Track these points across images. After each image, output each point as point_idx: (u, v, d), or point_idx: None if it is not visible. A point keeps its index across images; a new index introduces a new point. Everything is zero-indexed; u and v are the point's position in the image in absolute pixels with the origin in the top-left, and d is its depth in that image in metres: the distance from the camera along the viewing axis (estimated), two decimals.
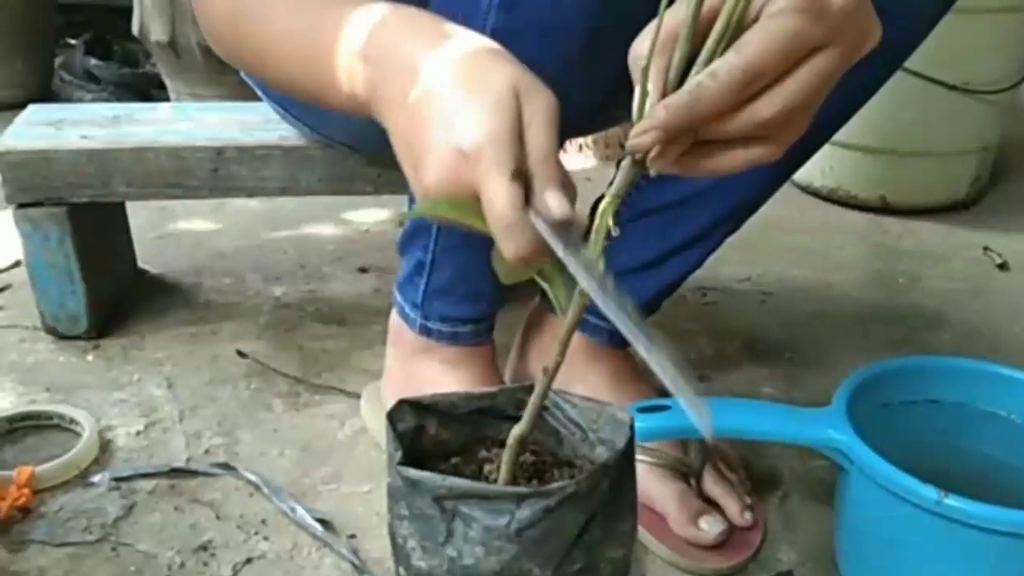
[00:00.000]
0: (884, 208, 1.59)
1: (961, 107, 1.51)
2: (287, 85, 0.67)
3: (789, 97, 0.47)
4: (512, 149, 0.47)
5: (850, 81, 0.51)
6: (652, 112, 0.46)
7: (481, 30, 0.62)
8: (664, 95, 0.47)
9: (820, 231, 1.53)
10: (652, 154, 0.48)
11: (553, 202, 0.47)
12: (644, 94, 0.47)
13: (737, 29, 0.46)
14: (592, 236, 0.49)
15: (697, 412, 0.41)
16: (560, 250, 0.47)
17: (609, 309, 0.44)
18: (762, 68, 0.46)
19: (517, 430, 0.54)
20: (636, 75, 0.47)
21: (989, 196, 1.68)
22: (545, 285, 0.51)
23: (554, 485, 0.51)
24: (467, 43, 0.53)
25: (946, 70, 1.45)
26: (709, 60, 0.46)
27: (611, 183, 0.50)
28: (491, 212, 0.47)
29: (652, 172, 0.48)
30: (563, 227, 0.47)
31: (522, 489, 0.51)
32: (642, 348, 0.43)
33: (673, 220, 0.86)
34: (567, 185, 0.49)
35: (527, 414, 0.54)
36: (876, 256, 1.45)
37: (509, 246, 0.48)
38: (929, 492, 0.67)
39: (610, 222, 0.48)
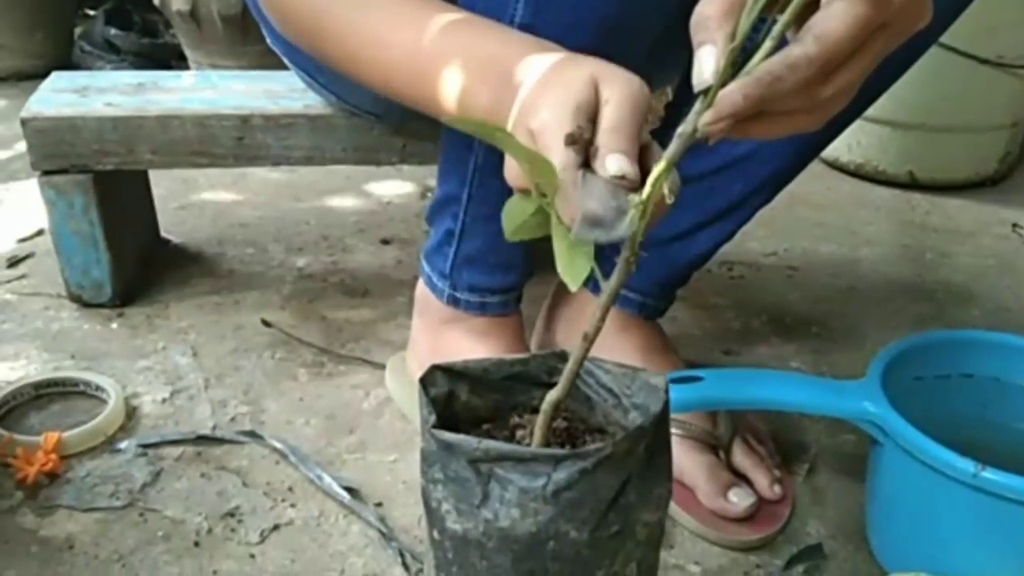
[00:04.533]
0: (912, 184, 1.57)
1: (992, 81, 1.48)
2: (385, 92, 0.70)
3: (849, 78, 0.48)
4: (572, 120, 0.49)
5: (893, 55, 0.51)
6: (727, 99, 0.46)
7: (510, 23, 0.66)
8: (732, 64, 0.46)
9: (847, 207, 1.51)
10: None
11: (611, 162, 0.48)
12: (724, 68, 0.46)
13: None
14: (642, 200, 0.48)
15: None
16: (604, 208, 0.47)
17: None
18: (837, 59, 0.47)
19: (553, 395, 0.54)
20: (698, 36, 0.47)
21: (1019, 172, 1.66)
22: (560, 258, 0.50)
23: (591, 447, 0.51)
24: (558, 54, 0.57)
25: (978, 43, 1.43)
26: (781, 34, 0.46)
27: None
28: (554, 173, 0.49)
29: (701, 135, 0.47)
30: (616, 187, 0.48)
31: (559, 451, 0.51)
32: None
33: (708, 190, 0.85)
34: (630, 154, 0.49)
35: (563, 379, 0.53)
36: (904, 232, 1.43)
37: (562, 208, 0.48)
38: (966, 465, 0.66)
39: (664, 189, 0.48)
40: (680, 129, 0.47)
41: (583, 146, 0.49)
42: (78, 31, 2.11)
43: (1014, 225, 1.44)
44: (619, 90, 0.51)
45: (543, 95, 0.52)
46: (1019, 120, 1.58)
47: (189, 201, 1.44)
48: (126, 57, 1.96)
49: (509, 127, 0.55)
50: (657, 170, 0.48)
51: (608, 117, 0.50)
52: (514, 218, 0.52)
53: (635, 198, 0.47)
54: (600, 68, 0.52)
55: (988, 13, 1.26)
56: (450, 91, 0.62)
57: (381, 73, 0.69)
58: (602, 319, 0.51)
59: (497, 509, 0.51)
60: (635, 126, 0.50)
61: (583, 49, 0.65)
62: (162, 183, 1.34)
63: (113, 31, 1.98)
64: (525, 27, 0.66)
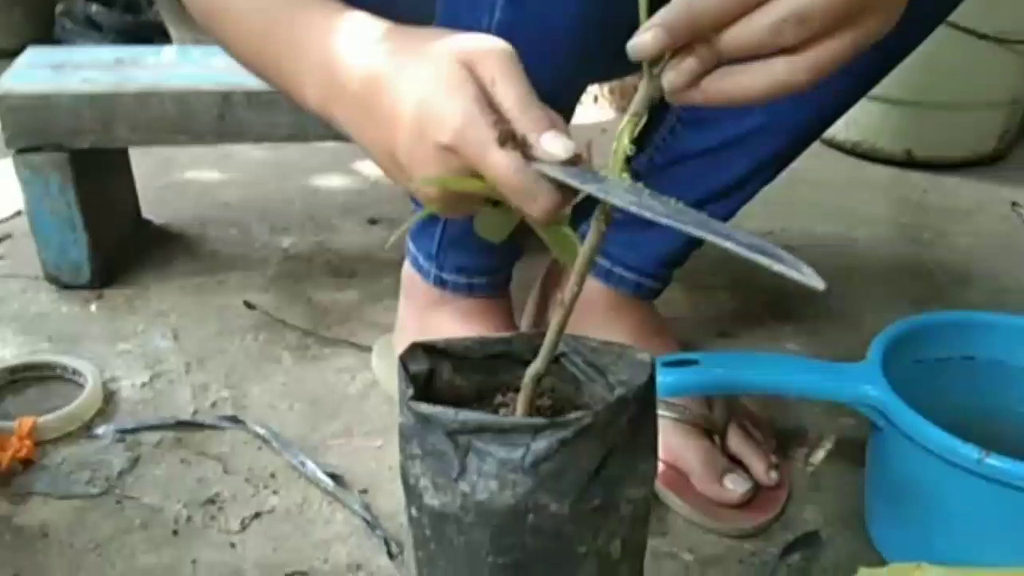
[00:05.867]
0: (909, 162, 1.55)
1: (991, 57, 1.45)
2: (256, 76, 0.66)
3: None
4: (487, 119, 0.46)
5: (897, 32, 0.47)
6: (655, 20, 0.44)
7: None
8: None
9: (844, 185, 1.49)
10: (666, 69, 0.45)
11: (552, 144, 0.45)
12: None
13: None
14: (612, 160, 0.46)
15: (798, 269, 0.38)
16: (581, 182, 0.45)
17: (659, 215, 0.41)
18: None
19: (532, 368, 0.52)
20: None
21: (1017, 150, 1.63)
22: (547, 239, 0.49)
23: (571, 416, 0.49)
24: (400, 43, 0.52)
25: (978, 18, 1.40)
26: None
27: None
28: (500, 185, 0.46)
29: (666, 86, 0.45)
30: (574, 165, 0.45)
31: (538, 420, 0.49)
32: (716, 238, 0.39)
33: (711, 166, 0.82)
34: (557, 124, 0.46)
35: (543, 350, 0.52)
36: (901, 211, 1.41)
37: (534, 208, 0.46)
38: (970, 451, 0.64)
39: (626, 142, 0.45)
40: (642, 80, 0.45)
41: (514, 139, 0.46)
42: (59, 8, 2.07)
43: (1013, 204, 1.42)
44: (496, 64, 0.47)
45: (424, 100, 0.47)
46: (1018, 97, 1.55)
47: (171, 180, 1.40)
48: (108, 34, 1.92)
49: (357, 124, 0.53)
50: (621, 125, 0.45)
51: (507, 97, 0.46)
52: (485, 220, 0.51)
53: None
54: (458, 45, 0.48)
55: None
56: (284, 84, 0.60)
57: (248, 57, 0.65)
58: (578, 284, 0.49)
59: (475, 482, 0.49)
60: (535, 94, 0.47)
61: (561, 47, 0.64)
62: (144, 161, 1.30)
63: (95, 8, 1.94)
64: (505, 24, 0.63)
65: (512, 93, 0.46)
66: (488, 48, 0.48)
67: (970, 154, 1.56)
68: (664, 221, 0.42)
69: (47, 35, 2.00)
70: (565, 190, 0.46)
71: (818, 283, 0.38)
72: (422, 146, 0.47)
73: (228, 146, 1.45)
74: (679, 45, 0.44)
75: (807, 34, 0.43)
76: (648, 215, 0.42)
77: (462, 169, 0.46)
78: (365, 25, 0.55)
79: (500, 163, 0.45)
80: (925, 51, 1.41)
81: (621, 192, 0.44)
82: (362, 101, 0.52)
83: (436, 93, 0.47)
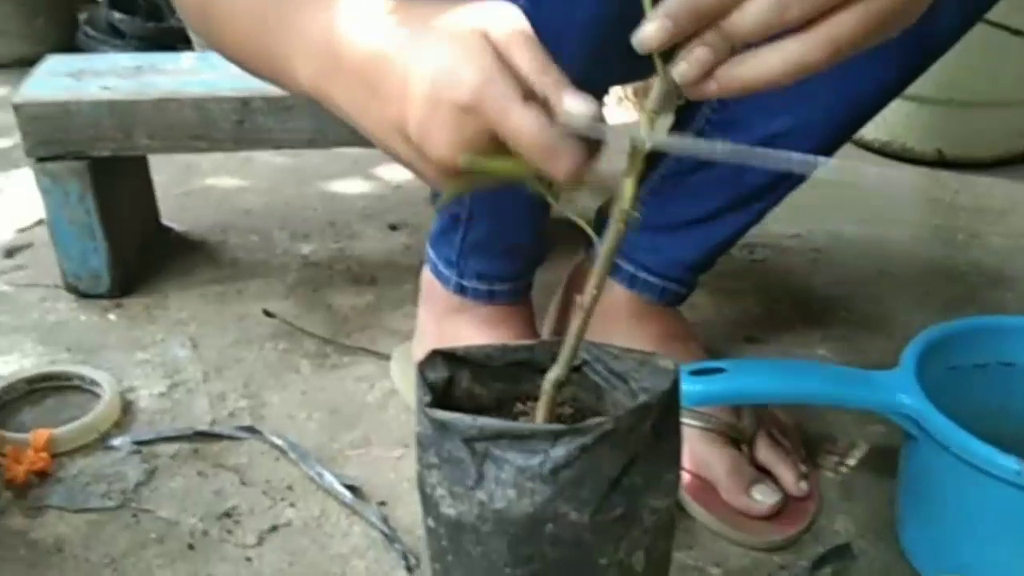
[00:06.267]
0: (940, 162, 1.51)
1: (1022, 54, 1.42)
2: (244, 67, 0.63)
3: None
4: (508, 78, 0.44)
5: (930, 27, 0.45)
6: (659, 11, 0.42)
7: None
8: None
9: (873, 186, 1.45)
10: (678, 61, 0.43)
11: (575, 104, 0.43)
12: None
13: None
14: (630, 159, 0.45)
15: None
16: (614, 135, 0.43)
17: (703, 152, 0.42)
18: None
19: (552, 374, 0.51)
20: None
21: None
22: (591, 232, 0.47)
23: (591, 421, 0.47)
24: (407, 16, 0.49)
25: (1010, 14, 1.36)
26: None
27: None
28: (524, 144, 0.43)
29: (679, 78, 0.43)
30: (597, 125, 0.44)
31: (557, 427, 0.47)
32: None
33: (740, 170, 0.80)
34: (578, 89, 0.44)
35: (562, 355, 0.50)
36: (933, 212, 1.38)
37: (560, 166, 0.43)
38: (1009, 463, 0.61)
39: (646, 131, 0.44)
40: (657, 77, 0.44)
41: (536, 99, 0.44)
42: (82, 16, 2.08)
43: None
44: (511, 30, 0.45)
45: (441, 63, 0.45)
46: None
47: (191, 187, 1.40)
48: (131, 41, 1.92)
49: (360, 100, 0.49)
50: (642, 119, 0.44)
51: (526, 61, 0.44)
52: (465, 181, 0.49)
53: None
54: (472, 16, 0.46)
55: None
56: (274, 66, 0.56)
57: (240, 49, 0.61)
58: (597, 287, 0.47)
59: (492, 490, 0.48)
60: (548, 57, 0.45)
61: (581, 45, 0.62)
62: (164, 169, 1.30)
63: (117, 15, 1.94)
64: None
65: (529, 56, 0.45)
66: (502, 16, 0.46)
67: (1002, 153, 1.52)
68: (711, 155, 0.42)
69: (70, 43, 2.00)
70: (588, 151, 0.44)
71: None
72: (438, 113, 0.45)
73: (249, 152, 1.44)
74: (685, 34, 0.42)
75: (814, 8, 0.41)
76: (689, 149, 0.43)
77: (480, 132, 0.44)
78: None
79: (525, 119, 0.43)
80: (955, 48, 1.38)
81: (655, 137, 0.43)
82: (366, 76, 0.49)
83: (453, 58, 0.44)
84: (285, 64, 0.54)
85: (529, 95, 0.43)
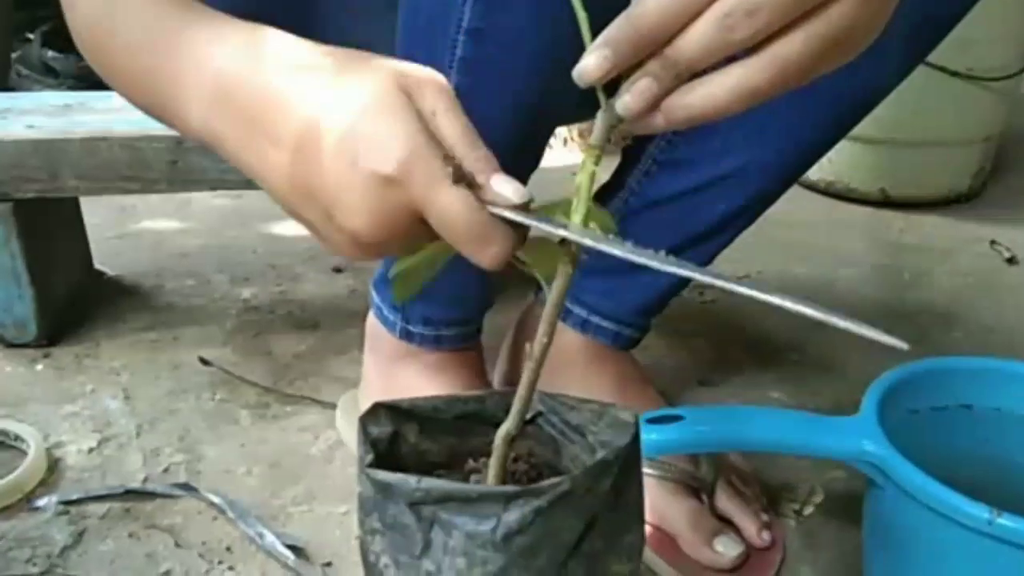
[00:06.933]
0: (885, 201, 1.52)
1: (964, 95, 1.44)
2: (137, 103, 0.58)
3: None
4: (438, 152, 0.41)
5: (879, 65, 0.43)
6: (599, 42, 0.39)
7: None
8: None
9: (820, 226, 1.46)
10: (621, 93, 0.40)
11: (504, 186, 0.41)
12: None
13: None
14: (575, 199, 0.42)
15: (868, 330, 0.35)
16: (545, 225, 0.41)
17: (631, 255, 0.39)
18: None
19: (503, 428, 0.47)
20: None
21: (993, 187, 1.62)
22: (533, 271, 0.45)
23: (546, 482, 0.44)
24: (324, 60, 0.45)
25: (949, 56, 1.38)
26: None
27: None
28: (448, 227, 0.41)
29: (622, 111, 0.40)
30: (525, 209, 0.41)
31: (509, 488, 0.44)
32: (698, 275, 0.38)
33: (689, 210, 0.79)
34: (502, 171, 0.42)
35: (514, 407, 0.47)
36: (879, 252, 1.38)
37: (488, 253, 0.41)
38: (980, 511, 0.59)
39: (587, 174, 0.41)
40: (600, 110, 0.41)
41: (465, 179, 0.41)
42: (15, 55, 2.02)
43: (992, 242, 1.40)
44: (437, 96, 0.42)
45: (365, 124, 0.41)
46: (991, 134, 1.54)
47: (126, 230, 1.35)
48: (65, 80, 1.87)
49: (264, 154, 0.45)
50: (583, 158, 0.42)
51: (453, 132, 0.42)
52: (402, 281, 0.48)
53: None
54: (396, 73, 0.43)
55: (961, 25, 1.22)
56: (167, 104, 0.52)
57: (129, 87, 0.57)
58: (547, 334, 0.44)
59: (440, 560, 0.44)
60: (473, 130, 0.42)
61: (526, 84, 0.61)
62: (97, 212, 1.25)
63: (51, 53, 1.89)
64: (474, 32, 0.60)
65: (456, 127, 0.42)
66: (427, 77, 0.43)
67: (946, 192, 1.54)
68: (634, 259, 0.39)
69: (2, 82, 1.94)
70: (517, 235, 0.42)
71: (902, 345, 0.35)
72: (355, 179, 0.41)
73: (187, 194, 1.40)
74: (628, 63, 0.39)
75: (761, 27, 0.38)
76: (617, 254, 0.39)
77: (402, 207, 0.41)
78: (277, 38, 0.48)
79: (454, 203, 0.40)
80: (898, 89, 1.40)
81: (586, 234, 0.41)
82: (259, 115, 0.45)
83: (374, 116, 0.41)
84: (178, 101, 0.50)
85: (461, 175, 0.40)
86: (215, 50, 0.48)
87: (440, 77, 0.43)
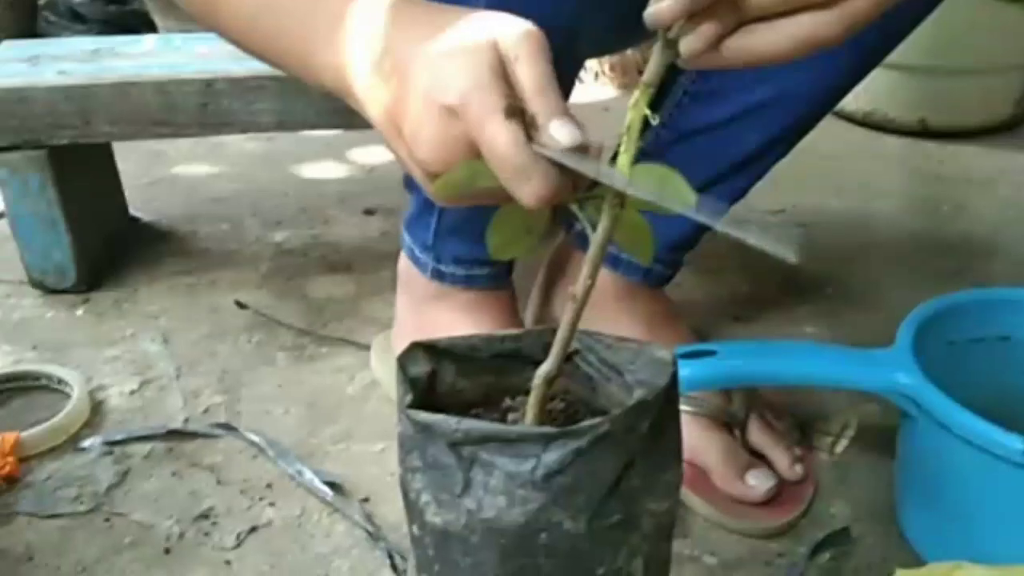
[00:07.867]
0: (924, 131, 1.49)
1: (1005, 19, 1.39)
2: (262, 55, 0.60)
3: None
4: (498, 89, 0.42)
5: None
6: None
7: None
8: None
9: (857, 157, 1.43)
10: (683, 33, 0.41)
11: (559, 131, 0.42)
12: None
13: None
14: (624, 136, 0.42)
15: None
16: (589, 169, 0.41)
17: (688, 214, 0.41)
18: None
19: (543, 368, 0.48)
20: None
21: None
22: (581, 215, 0.45)
23: (585, 423, 0.44)
24: (438, 14, 0.48)
25: None
26: None
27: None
28: (495, 159, 0.42)
29: (683, 54, 0.41)
30: (580, 154, 0.42)
31: (549, 429, 0.45)
32: (724, 226, 0.39)
33: (722, 142, 0.78)
34: (570, 115, 0.43)
35: (554, 348, 0.48)
36: (918, 183, 1.36)
37: (524, 190, 0.42)
38: (1014, 442, 0.59)
39: (646, 111, 0.42)
40: (656, 45, 0.41)
41: (521, 116, 0.42)
42: (41, 2, 2.02)
43: None
44: (523, 42, 0.43)
45: (441, 60, 0.44)
46: None
47: (159, 176, 1.36)
48: (93, 26, 1.86)
49: (373, 91, 0.48)
50: (634, 96, 0.42)
51: (527, 77, 0.43)
52: (498, 233, 0.49)
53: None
54: (492, 20, 0.45)
55: None
56: (293, 62, 0.55)
57: (248, 38, 0.59)
58: (591, 276, 0.45)
59: (481, 498, 0.45)
60: (555, 81, 0.43)
61: (557, 15, 0.59)
62: (130, 157, 1.26)
63: None
64: None
65: (533, 73, 0.43)
66: (517, 26, 0.44)
67: (986, 121, 1.50)
68: (678, 209, 0.40)
69: (31, 29, 1.95)
70: (563, 179, 0.42)
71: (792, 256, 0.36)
72: (427, 112, 0.44)
73: (219, 138, 1.40)
74: (700, 8, 0.39)
75: None
76: (657, 201, 0.40)
77: (461, 138, 0.43)
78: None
79: (500, 134, 0.41)
80: (936, 15, 1.35)
81: (626, 181, 0.41)
82: (377, 66, 0.48)
83: (453, 62, 0.43)
84: (305, 59, 0.54)
85: (515, 111, 0.42)
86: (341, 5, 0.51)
87: (534, 28, 0.44)
